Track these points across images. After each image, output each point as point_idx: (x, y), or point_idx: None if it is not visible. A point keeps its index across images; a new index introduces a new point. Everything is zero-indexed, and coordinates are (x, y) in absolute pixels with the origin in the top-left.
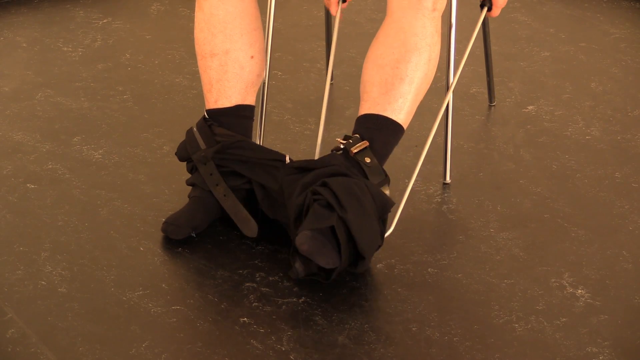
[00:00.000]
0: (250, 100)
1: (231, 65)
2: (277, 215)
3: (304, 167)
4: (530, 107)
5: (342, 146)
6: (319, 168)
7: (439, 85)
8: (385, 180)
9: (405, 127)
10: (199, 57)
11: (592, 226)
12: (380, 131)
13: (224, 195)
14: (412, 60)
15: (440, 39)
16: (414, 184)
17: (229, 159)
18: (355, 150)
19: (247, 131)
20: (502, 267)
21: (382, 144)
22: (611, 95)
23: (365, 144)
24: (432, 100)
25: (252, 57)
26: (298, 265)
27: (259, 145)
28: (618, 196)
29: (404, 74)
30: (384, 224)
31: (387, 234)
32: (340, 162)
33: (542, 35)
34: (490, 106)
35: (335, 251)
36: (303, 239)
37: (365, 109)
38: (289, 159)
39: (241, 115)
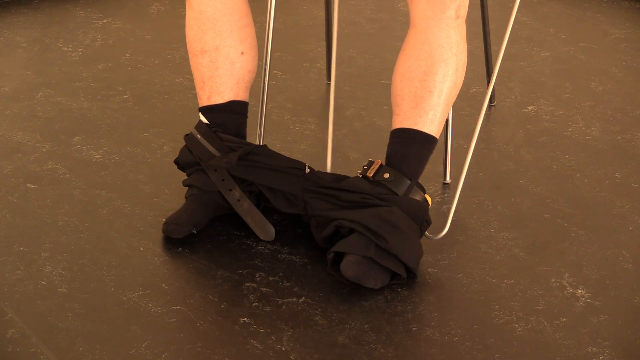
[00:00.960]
0: (243, 96)
1: (222, 61)
2: (293, 210)
3: (328, 186)
4: (530, 107)
5: (360, 175)
6: (345, 190)
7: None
8: (411, 184)
9: (437, 136)
10: (190, 55)
11: (592, 226)
12: (413, 145)
13: (238, 200)
14: (440, 72)
15: (466, 44)
16: None
17: (241, 167)
18: (372, 174)
19: (241, 127)
20: (502, 267)
21: (417, 156)
22: (611, 95)
23: (378, 163)
24: None
25: (242, 53)
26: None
27: (277, 152)
28: (618, 196)
29: (432, 87)
30: (428, 223)
31: (442, 235)
32: (365, 186)
33: (542, 35)
34: (490, 106)
35: (382, 271)
36: (348, 266)
37: (398, 122)
38: (309, 168)
39: (234, 111)
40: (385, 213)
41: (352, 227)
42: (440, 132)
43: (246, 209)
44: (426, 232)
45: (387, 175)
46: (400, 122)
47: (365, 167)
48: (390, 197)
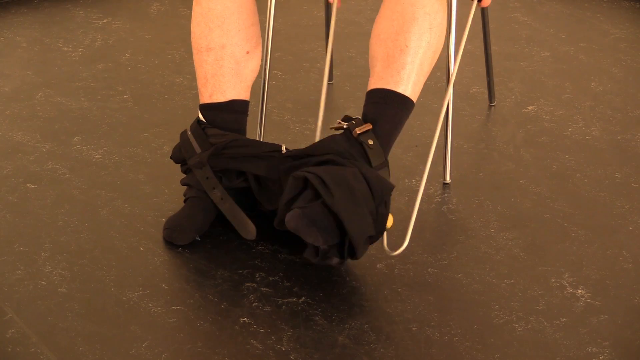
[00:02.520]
0: (244, 95)
1: (227, 60)
2: (275, 206)
3: (301, 155)
4: (530, 107)
5: (345, 126)
6: (316, 155)
7: (438, 85)
8: (385, 163)
9: (414, 99)
10: (194, 51)
11: (592, 226)
12: (386, 105)
13: (221, 199)
14: (411, 31)
15: (444, 6)
16: (414, 184)
17: (224, 159)
18: (360, 132)
19: (242, 126)
20: (502, 267)
21: (390, 117)
22: (611, 95)
23: (368, 126)
24: (433, 100)
25: (247, 52)
26: (307, 253)
27: (253, 139)
28: (618, 196)
29: (403, 45)
30: (386, 207)
31: (402, 249)
32: (340, 145)
33: (542, 35)
34: (490, 106)
35: (323, 231)
36: (290, 217)
37: (372, 84)
38: (285, 148)
39: (236, 110)
40: (348, 173)
41: (307, 176)
42: (417, 95)
43: (228, 207)
44: (385, 246)
45: (371, 142)
46: (374, 83)
47: (354, 123)
48: (360, 164)
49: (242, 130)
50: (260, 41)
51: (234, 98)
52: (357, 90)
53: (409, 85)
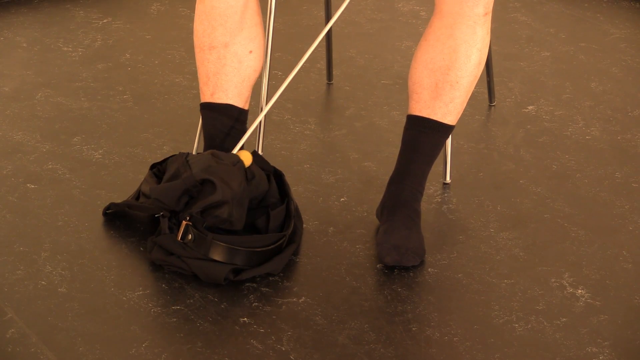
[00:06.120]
0: (246, 95)
1: (229, 59)
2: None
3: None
4: (530, 107)
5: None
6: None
7: None
8: (211, 240)
9: (455, 124)
10: (197, 50)
11: (592, 226)
12: (429, 134)
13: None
14: (462, 68)
15: (489, 36)
16: None
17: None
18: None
19: (240, 133)
20: (502, 267)
21: (433, 145)
22: (611, 95)
23: (184, 224)
24: None
25: (250, 52)
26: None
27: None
28: (618, 196)
29: (454, 81)
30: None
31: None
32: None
33: (542, 35)
34: (490, 106)
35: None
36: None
37: (416, 110)
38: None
39: (235, 118)
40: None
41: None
42: (458, 119)
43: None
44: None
45: (190, 237)
46: (419, 110)
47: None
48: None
49: (241, 131)
50: (264, 42)
51: (236, 97)
52: (357, 90)
53: (453, 115)
